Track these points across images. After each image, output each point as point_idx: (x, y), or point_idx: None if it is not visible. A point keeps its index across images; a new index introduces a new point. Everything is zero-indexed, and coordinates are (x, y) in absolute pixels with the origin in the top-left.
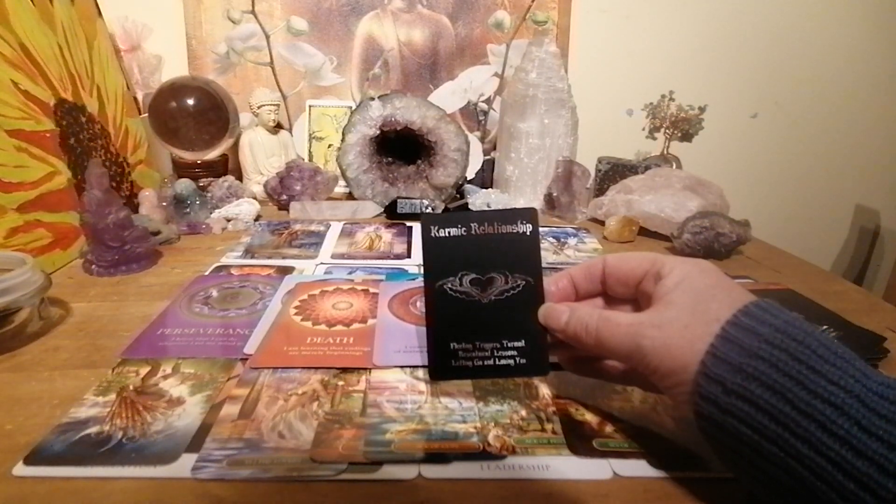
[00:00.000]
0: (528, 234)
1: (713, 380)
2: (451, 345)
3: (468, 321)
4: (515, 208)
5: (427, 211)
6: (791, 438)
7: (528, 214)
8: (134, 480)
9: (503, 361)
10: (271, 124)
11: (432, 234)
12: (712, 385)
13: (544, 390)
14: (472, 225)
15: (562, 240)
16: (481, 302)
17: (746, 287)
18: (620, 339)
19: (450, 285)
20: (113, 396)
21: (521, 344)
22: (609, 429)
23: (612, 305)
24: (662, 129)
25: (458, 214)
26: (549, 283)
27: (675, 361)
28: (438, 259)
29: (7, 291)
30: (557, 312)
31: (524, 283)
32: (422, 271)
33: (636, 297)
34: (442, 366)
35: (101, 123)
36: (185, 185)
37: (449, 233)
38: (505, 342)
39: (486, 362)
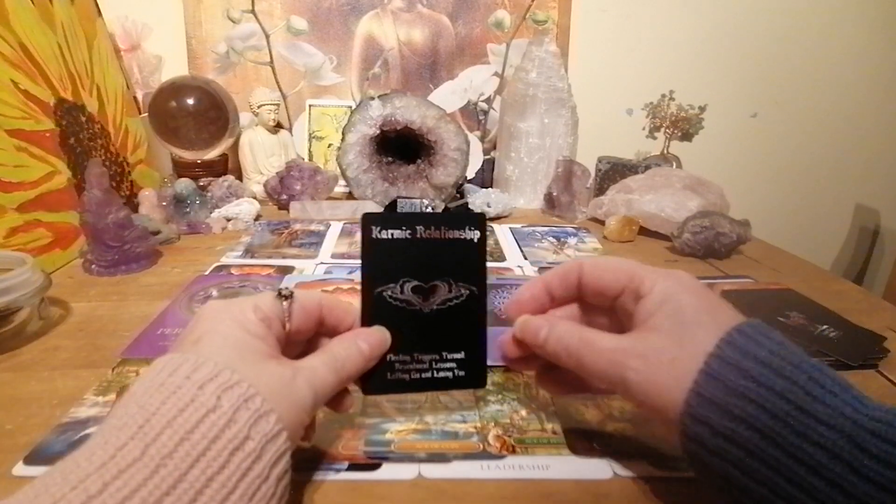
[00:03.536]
0: (475, 241)
1: (699, 421)
2: (388, 356)
3: (407, 331)
4: (464, 213)
5: (428, 210)
6: (781, 482)
7: (477, 220)
8: None
9: (441, 374)
10: (271, 124)
11: (374, 236)
12: (698, 426)
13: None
14: (417, 228)
15: (562, 239)
16: (422, 311)
17: (746, 287)
18: (603, 367)
19: (390, 292)
20: (113, 396)
21: (460, 356)
22: (609, 429)
23: (590, 314)
24: (662, 129)
25: (403, 215)
26: (524, 289)
27: (661, 398)
28: (379, 263)
29: (7, 291)
30: (535, 327)
31: (468, 292)
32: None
33: (614, 309)
34: (378, 379)
35: (101, 123)
36: (185, 184)
37: (392, 235)
38: (444, 354)
39: (423, 375)
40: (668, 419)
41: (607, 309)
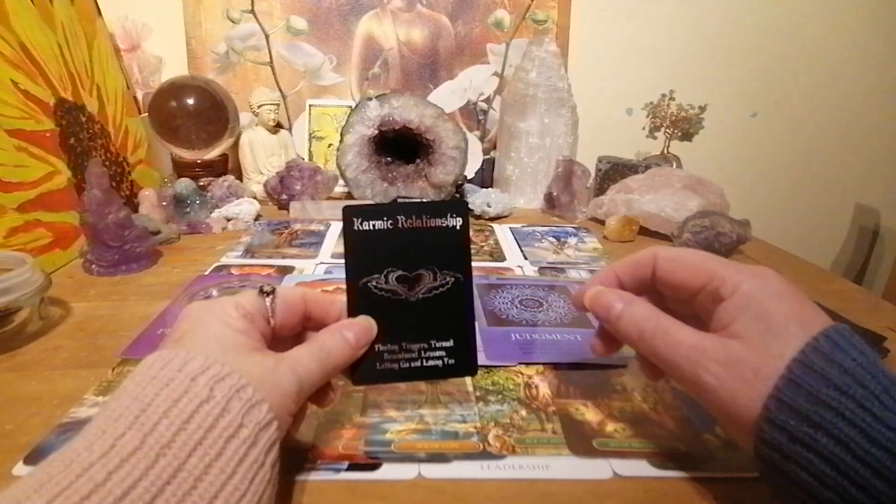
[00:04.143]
0: (457, 228)
1: (778, 427)
2: (377, 346)
3: (394, 321)
4: (445, 200)
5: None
6: (849, 486)
7: (459, 207)
8: None
9: (431, 363)
10: (271, 124)
11: (355, 228)
12: (777, 432)
13: (544, 390)
14: (398, 218)
15: (562, 239)
16: (408, 300)
17: None
18: (678, 361)
19: (374, 283)
20: None
21: (449, 344)
22: (609, 429)
23: (665, 301)
24: (662, 129)
25: (383, 206)
26: (593, 279)
27: (736, 406)
28: (362, 254)
29: (7, 291)
30: (608, 300)
31: (453, 279)
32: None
33: (692, 304)
34: (366, 369)
35: (101, 123)
36: (185, 184)
37: (374, 226)
38: (433, 342)
39: (413, 364)
40: (740, 423)
41: (684, 301)
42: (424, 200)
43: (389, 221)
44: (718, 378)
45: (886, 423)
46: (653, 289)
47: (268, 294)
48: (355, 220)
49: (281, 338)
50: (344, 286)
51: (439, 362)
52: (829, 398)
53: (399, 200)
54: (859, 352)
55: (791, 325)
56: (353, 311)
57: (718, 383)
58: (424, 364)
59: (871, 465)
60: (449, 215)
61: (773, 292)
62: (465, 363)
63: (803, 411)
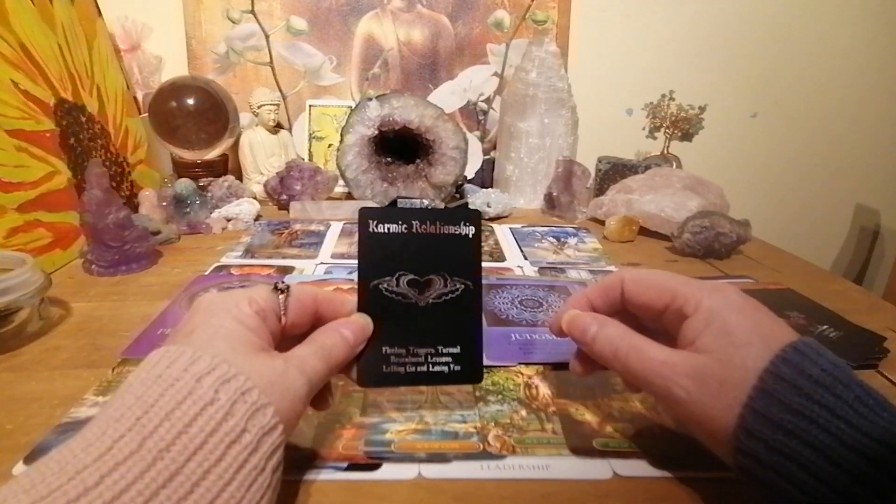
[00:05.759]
0: (470, 236)
1: (754, 436)
2: (384, 349)
3: (403, 324)
4: (459, 209)
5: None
6: (828, 492)
7: (472, 216)
8: None
9: (437, 368)
10: (271, 124)
11: (370, 229)
12: (753, 441)
13: (544, 390)
14: (413, 222)
15: (562, 239)
16: (418, 305)
17: (746, 287)
18: (650, 377)
19: (385, 285)
20: None
21: (456, 350)
22: (609, 429)
23: (637, 322)
24: (662, 129)
25: (399, 210)
26: (566, 305)
27: (708, 418)
28: (375, 256)
29: (7, 291)
30: (583, 323)
31: (463, 287)
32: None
33: (661, 321)
34: (373, 371)
35: (101, 123)
36: (185, 184)
37: (388, 229)
38: (440, 348)
39: (419, 368)
40: (716, 436)
41: (654, 320)
42: (439, 207)
43: (404, 225)
44: (688, 391)
45: (861, 429)
46: (624, 310)
47: (282, 291)
48: (370, 221)
49: (288, 336)
50: (343, 286)
51: (445, 368)
52: (801, 407)
53: (399, 201)
54: (830, 363)
55: (753, 336)
56: (362, 312)
57: (688, 396)
58: (430, 369)
59: (850, 471)
60: (462, 223)
61: (733, 306)
62: (470, 371)
63: (777, 420)
